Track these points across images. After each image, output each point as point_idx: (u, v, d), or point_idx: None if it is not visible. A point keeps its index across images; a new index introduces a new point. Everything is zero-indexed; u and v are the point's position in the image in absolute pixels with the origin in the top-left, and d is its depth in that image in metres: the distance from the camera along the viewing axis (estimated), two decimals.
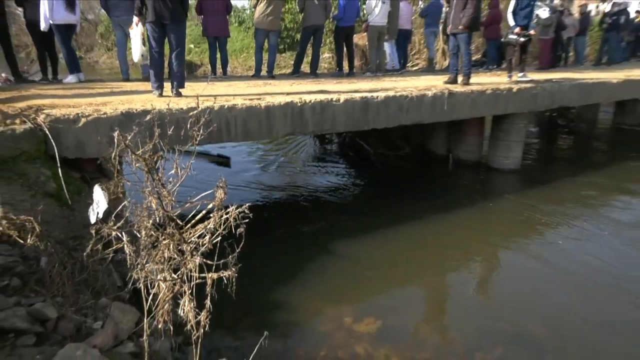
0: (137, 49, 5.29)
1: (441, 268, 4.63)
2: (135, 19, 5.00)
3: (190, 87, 5.97)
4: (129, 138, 1.76)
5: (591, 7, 12.88)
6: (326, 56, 12.95)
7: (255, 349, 2.53)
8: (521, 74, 7.54)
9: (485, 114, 6.82)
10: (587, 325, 3.68)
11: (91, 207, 2.18)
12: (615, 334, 3.59)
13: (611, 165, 8.06)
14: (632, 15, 12.81)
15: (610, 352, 3.40)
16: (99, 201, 2.13)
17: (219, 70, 8.01)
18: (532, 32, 7.36)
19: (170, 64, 5.10)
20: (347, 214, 5.85)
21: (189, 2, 5.55)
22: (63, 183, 3.57)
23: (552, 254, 4.82)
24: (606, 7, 12.14)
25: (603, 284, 4.26)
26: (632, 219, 5.65)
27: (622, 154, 8.91)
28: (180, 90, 5.11)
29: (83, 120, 3.84)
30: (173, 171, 1.96)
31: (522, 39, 7.11)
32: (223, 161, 7.34)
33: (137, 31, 5.15)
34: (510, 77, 7.51)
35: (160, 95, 5.04)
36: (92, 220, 2.16)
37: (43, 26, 5.83)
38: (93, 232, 2.04)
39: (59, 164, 3.64)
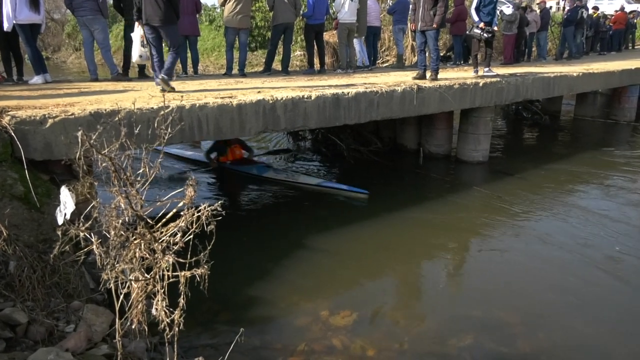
0: (136, 50, 5.59)
1: (413, 259, 4.74)
2: (136, 22, 5.32)
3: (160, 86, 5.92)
4: (94, 137, 1.76)
5: (551, 4, 13.28)
6: (297, 54, 12.97)
7: (232, 345, 2.56)
8: (487, 69, 7.74)
9: (454, 108, 6.98)
10: (556, 310, 3.82)
11: (58, 208, 2.16)
12: (583, 318, 3.75)
13: (573, 155, 8.37)
14: (590, 11, 13.28)
15: (579, 335, 3.55)
16: (66, 202, 2.12)
17: (190, 69, 7.95)
18: (495, 28, 7.56)
19: (153, 59, 5.46)
20: (321, 209, 5.91)
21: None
22: (31, 185, 3.51)
23: (520, 242, 4.99)
24: (566, 4, 12.56)
25: (570, 270, 4.44)
26: (594, 205, 5.89)
27: (583, 144, 9.28)
28: (164, 76, 5.27)
29: (50, 121, 3.78)
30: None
31: (485, 35, 7.30)
32: (360, 196, 6.12)
33: (137, 33, 5.43)
34: (476, 72, 7.70)
35: (164, 90, 5.30)
36: (60, 221, 2.14)
37: (6, 26, 5.67)
38: (59, 233, 2.03)
39: (25, 167, 3.57)
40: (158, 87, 5.45)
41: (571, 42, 12.44)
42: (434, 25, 6.58)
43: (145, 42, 5.50)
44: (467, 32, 8.08)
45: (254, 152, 7.78)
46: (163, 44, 5.54)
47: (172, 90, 5.31)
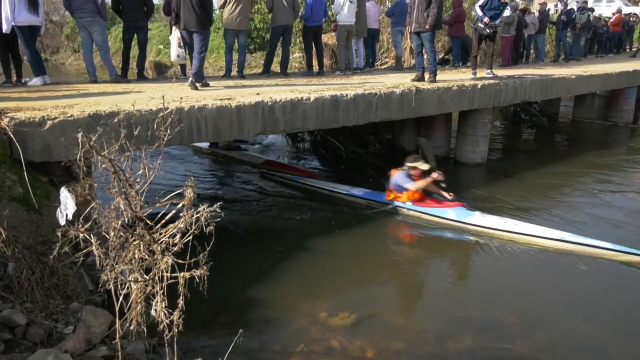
0: (173, 51, 6.33)
1: (412, 261, 4.75)
2: (174, 26, 6.10)
3: (160, 88, 5.93)
4: (94, 139, 1.76)
5: (550, 6, 13.31)
6: (296, 56, 12.98)
7: (231, 347, 2.56)
8: (488, 71, 7.76)
9: (452, 110, 7.00)
10: (554, 311, 3.84)
11: (59, 209, 2.17)
12: (582, 318, 3.77)
13: (571, 157, 8.39)
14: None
15: (577, 335, 3.57)
16: (67, 203, 2.13)
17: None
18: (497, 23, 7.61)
19: (192, 61, 6.06)
20: (319, 211, 5.91)
21: (157, 2, 5.99)
22: (30, 187, 3.51)
23: (518, 243, 4.99)
24: (562, 6, 12.60)
25: (568, 271, 4.45)
26: (592, 207, 5.91)
27: (581, 146, 9.30)
28: (197, 84, 5.89)
29: (49, 123, 3.78)
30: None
31: (487, 30, 7.33)
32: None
33: (174, 35, 6.11)
34: (474, 73, 7.72)
35: (203, 85, 6.00)
36: (62, 222, 2.14)
37: (5, 28, 5.67)
38: (59, 234, 2.03)
39: (24, 168, 3.57)
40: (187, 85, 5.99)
41: (566, 44, 12.49)
42: (427, 27, 6.59)
43: (182, 44, 6.11)
44: (472, 24, 8.13)
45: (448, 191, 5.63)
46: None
47: (206, 85, 6.05)
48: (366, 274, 4.41)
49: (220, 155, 8.37)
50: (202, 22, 5.76)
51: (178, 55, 6.31)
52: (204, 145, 8.40)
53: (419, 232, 5.28)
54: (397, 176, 5.69)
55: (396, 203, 5.72)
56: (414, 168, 5.57)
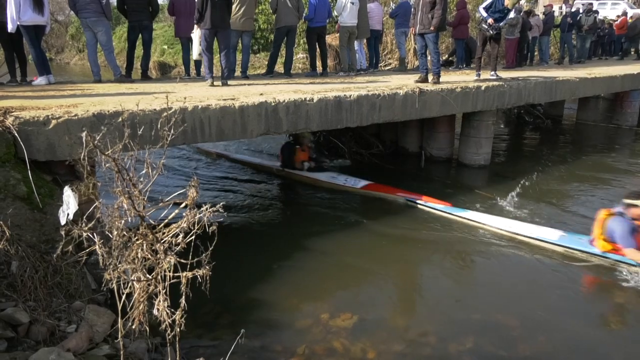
0: (196, 49, 6.67)
1: (414, 262, 4.75)
2: (195, 25, 6.37)
3: (163, 88, 5.96)
4: (98, 138, 1.77)
5: (555, 8, 13.29)
6: (300, 56, 13.01)
7: (233, 347, 2.56)
8: (492, 73, 7.75)
9: (456, 112, 6.98)
10: (556, 313, 3.82)
11: (61, 208, 2.17)
12: (584, 320, 3.76)
13: (574, 159, 8.36)
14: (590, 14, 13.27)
15: (579, 338, 3.55)
16: (69, 202, 2.13)
17: (193, 71, 7.98)
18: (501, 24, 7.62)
19: (220, 61, 6.51)
20: (322, 211, 5.92)
21: (162, 2, 6.12)
22: (34, 186, 3.52)
23: (520, 246, 4.98)
24: (567, 8, 12.57)
25: (570, 273, 4.43)
26: (594, 210, 5.86)
27: (585, 148, 9.26)
28: (227, 81, 6.45)
29: (53, 122, 3.80)
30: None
31: (491, 32, 7.33)
32: None
33: (196, 34, 6.46)
34: (478, 75, 7.71)
35: (212, 84, 6.27)
36: (62, 222, 2.15)
37: (10, 27, 5.71)
38: (63, 233, 2.04)
39: (28, 167, 3.59)
40: (206, 84, 6.34)
41: (571, 46, 12.45)
42: (432, 28, 6.60)
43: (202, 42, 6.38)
44: (477, 25, 8.14)
45: None
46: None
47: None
48: (368, 276, 4.41)
49: (298, 177, 7.01)
50: (227, 22, 6.28)
51: (200, 53, 6.61)
52: (274, 164, 7.48)
53: (423, 233, 5.27)
54: (618, 225, 4.34)
55: (614, 257, 4.40)
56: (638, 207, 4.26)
